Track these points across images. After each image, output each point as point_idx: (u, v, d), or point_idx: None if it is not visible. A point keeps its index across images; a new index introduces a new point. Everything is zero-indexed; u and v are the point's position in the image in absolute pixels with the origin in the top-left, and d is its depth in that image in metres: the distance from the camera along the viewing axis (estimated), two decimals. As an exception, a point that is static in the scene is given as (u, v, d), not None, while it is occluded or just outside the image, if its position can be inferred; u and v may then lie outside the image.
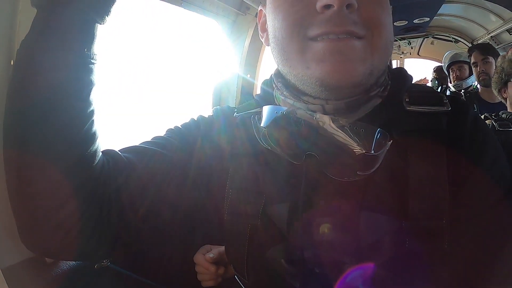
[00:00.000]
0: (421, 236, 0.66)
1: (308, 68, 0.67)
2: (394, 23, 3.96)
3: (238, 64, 1.85)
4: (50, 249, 0.70)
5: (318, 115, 0.70)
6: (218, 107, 0.93)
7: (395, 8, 3.42)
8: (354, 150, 0.67)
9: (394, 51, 5.65)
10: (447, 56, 3.81)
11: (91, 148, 0.66)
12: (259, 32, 0.85)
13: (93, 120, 0.67)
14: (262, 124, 0.73)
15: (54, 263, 0.88)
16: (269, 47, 0.79)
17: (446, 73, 3.83)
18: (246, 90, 1.88)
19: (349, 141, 0.67)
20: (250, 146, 0.78)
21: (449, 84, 3.74)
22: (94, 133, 0.67)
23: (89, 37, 0.64)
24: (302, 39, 0.68)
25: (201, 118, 0.88)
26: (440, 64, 4.52)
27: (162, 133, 0.85)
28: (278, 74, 0.80)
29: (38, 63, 0.60)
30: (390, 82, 0.79)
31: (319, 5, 0.65)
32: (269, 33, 0.77)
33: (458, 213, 0.67)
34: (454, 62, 3.67)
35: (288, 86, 0.76)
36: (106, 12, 0.65)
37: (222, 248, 1.06)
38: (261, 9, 0.84)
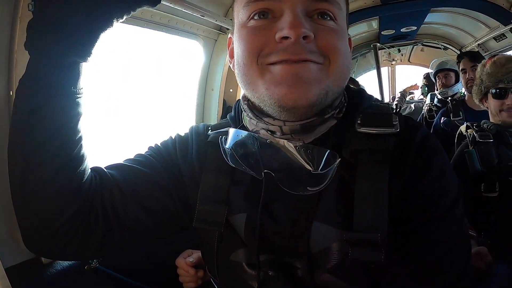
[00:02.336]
0: (360, 247, 0.72)
1: (267, 89, 0.74)
2: (382, 32, 4.12)
3: (220, 79, 1.95)
4: (48, 250, 0.82)
5: (276, 139, 0.79)
6: (193, 125, 1.03)
7: (382, 18, 3.54)
8: (305, 169, 0.76)
9: (384, 59, 5.76)
10: (433, 63, 3.84)
11: (80, 168, 0.79)
12: (228, 58, 0.94)
13: (81, 145, 0.79)
14: (226, 146, 0.83)
15: (50, 264, 1.01)
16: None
17: (433, 80, 3.87)
18: (228, 103, 1.99)
19: (301, 160, 0.77)
20: (218, 162, 0.87)
21: (436, 92, 3.78)
22: (83, 155, 0.79)
23: (74, 76, 0.75)
24: (262, 65, 0.74)
25: (178, 137, 0.98)
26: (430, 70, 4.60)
27: (143, 150, 0.96)
28: (244, 97, 0.88)
29: (32, 102, 0.72)
30: (346, 104, 0.86)
31: (277, 36, 0.72)
32: (234, 60, 0.83)
33: (397, 227, 0.73)
34: (441, 70, 3.69)
35: (252, 108, 0.84)
36: (88, 53, 0.75)
37: (202, 252, 1.17)
38: (230, 37, 0.91)
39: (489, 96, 1.91)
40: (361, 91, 0.92)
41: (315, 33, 0.73)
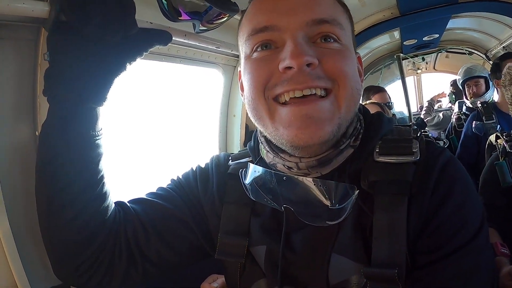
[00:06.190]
0: (378, 281, 0.71)
1: (277, 129, 0.75)
2: (404, 43, 4.05)
3: (241, 105, 1.96)
4: (73, 280, 0.86)
5: (293, 175, 0.80)
6: (214, 156, 1.05)
7: (403, 29, 3.49)
8: (322, 203, 0.76)
9: (409, 68, 5.66)
10: (461, 71, 3.67)
11: (103, 204, 0.83)
12: (240, 91, 0.93)
13: (103, 183, 0.83)
14: (246, 182, 0.85)
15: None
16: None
17: (461, 88, 3.67)
18: (250, 128, 2.00)
19: (319, 196, 0.77)
20: (238, 194, 0.89)
21: (465, 100, 3.57)
22: (105, 192, 0.83)
23: (92, 120, 0.79)
24: (268, 99, 0.76)
25: (199, 168, 1.01)
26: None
27: (165, 183, 1.00)
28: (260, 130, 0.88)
29: (52, 149, 0.76)
30: (362, 130, 0.84)
31: (280, 67, 0.72)
32: (244, 93, 0.85)
33: (415, 260, 0.73)
34: (470, 78, 3.52)
35: (269, 142, 0.85)
36: (103, 99, 0.79)
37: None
38: (240, 70, 0.91)
39: None
40: (379, 116, 0.89)
41: (320, 58, 0.73)
